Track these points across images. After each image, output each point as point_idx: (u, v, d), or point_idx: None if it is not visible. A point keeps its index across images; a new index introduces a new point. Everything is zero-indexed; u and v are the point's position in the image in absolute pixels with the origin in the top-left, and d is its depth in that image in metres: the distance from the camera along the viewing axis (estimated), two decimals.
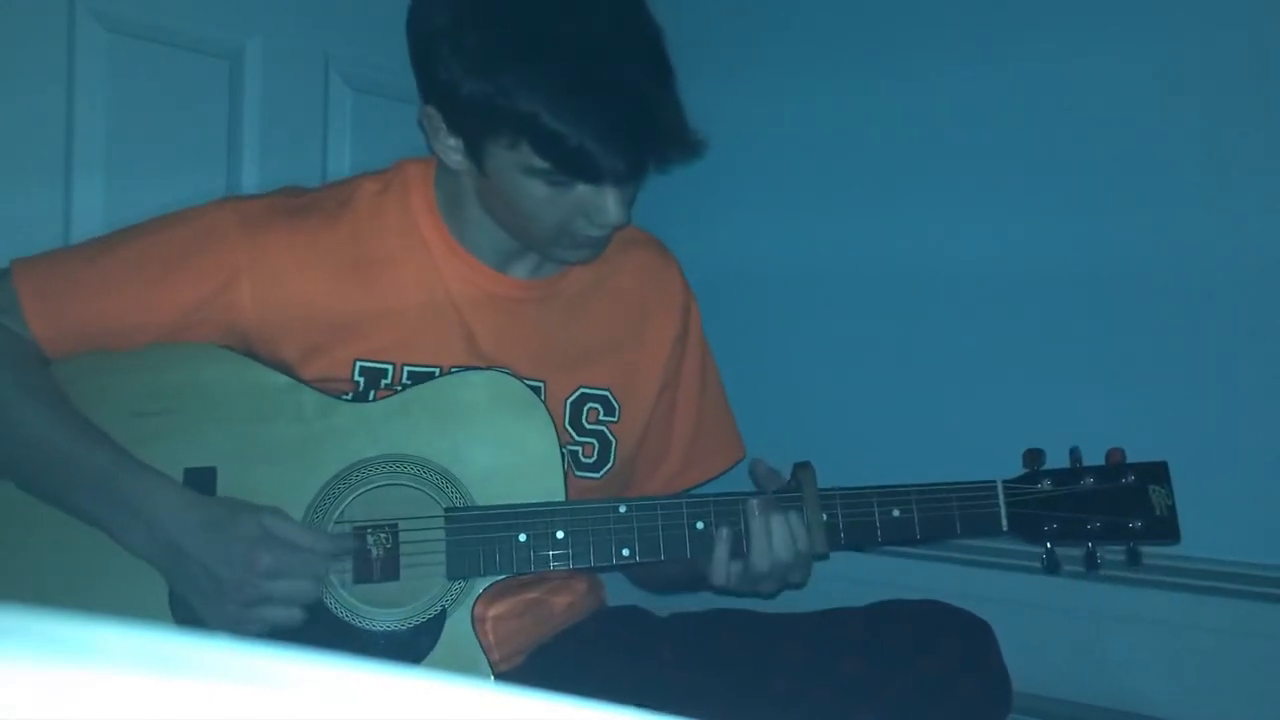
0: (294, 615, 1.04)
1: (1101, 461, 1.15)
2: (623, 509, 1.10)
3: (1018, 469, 1.16)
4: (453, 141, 1.11)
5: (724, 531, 1.09)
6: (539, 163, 1.04)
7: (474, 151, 1.09)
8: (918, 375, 1.69)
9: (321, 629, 1.06)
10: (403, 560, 1.08)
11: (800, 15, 1.80)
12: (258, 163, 1.54)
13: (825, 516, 1.11)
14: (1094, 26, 1.53)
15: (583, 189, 1.08)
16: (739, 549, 1.10)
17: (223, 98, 1.52)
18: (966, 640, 1.12)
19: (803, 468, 1.14)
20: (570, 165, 1.04)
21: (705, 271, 1.43)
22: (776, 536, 1.09)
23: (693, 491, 1.36)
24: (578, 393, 1.24)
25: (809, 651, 1.14)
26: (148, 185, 1.38)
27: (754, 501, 1.10)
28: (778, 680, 1.13)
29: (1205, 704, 1.42)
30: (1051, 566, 1.13)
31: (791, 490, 1.13)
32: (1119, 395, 1.51)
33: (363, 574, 1.08)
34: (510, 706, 0.33)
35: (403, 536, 1.08)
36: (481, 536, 1.08)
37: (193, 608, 1.05)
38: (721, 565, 1.10)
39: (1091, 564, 1.13)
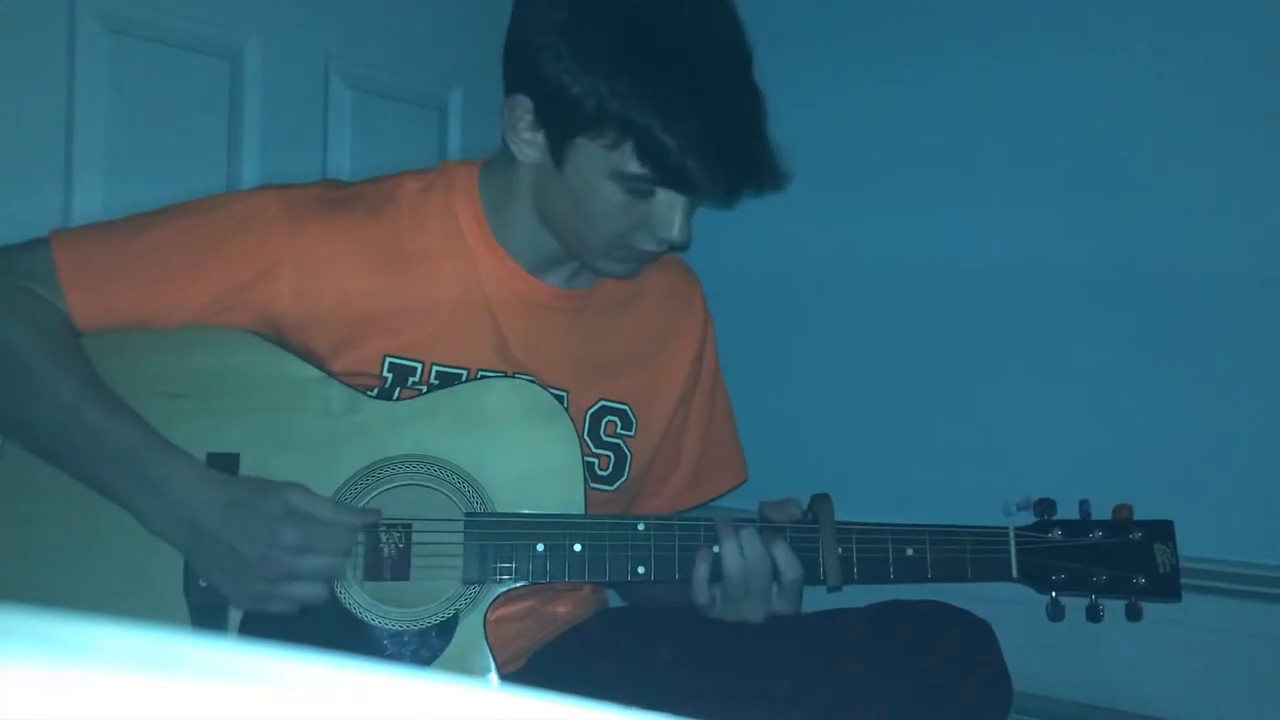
0: (320, 592, 1.04)
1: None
2: (641, 527, 1.10)
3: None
4: (532, 135, 1.11)
5: (702, 550, 1.10)
6: (634, 168, 1.05)
7: (558, 147, 1.09)
8: (918, 384, 1.68)
9: (335, 623, 1.06)
10: (414, 561, 1.08)
11: (801, 15, 1.80)
12: (258, 163, 1.54)
13: (840, 550, 1.11)
14: (1098, 27, 1.52)
15: (657, 202, 1.09)
16: (716, 571, 1.10)
17: (223, 98, 1.52)
18: (966, 640, 1.12)
19: (821, 500, 1.14)
20: (668, 176, 1.05)
21: (712, 281, 1.42)
22: (750, 556, 1.09)
23: (704, 512, 1.37)
24: (598, 404, 1.24)
25: (809, 652, 1.14)
26: (148, 185, 1.38)
27: (721, 523, 1.10)
28: (778, 680, 1.13)
29: (1205, 704, 1.42)
30: (1056, 615, 1.15)
31: (808, 522, 1.13)
32: (1120, 396, 1.51)
33: (373, 571, 1.08)
34: (512, 707, 0.33)
35: (415, 538, 1.08)
36: (499, 543, 1.08)
37: (210, 585, 1.04)
38: (702, 583, 1.10)
39: (1094, 616, 1.15)
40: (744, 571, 1.09)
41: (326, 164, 1.64)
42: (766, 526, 1.12)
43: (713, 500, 1.39)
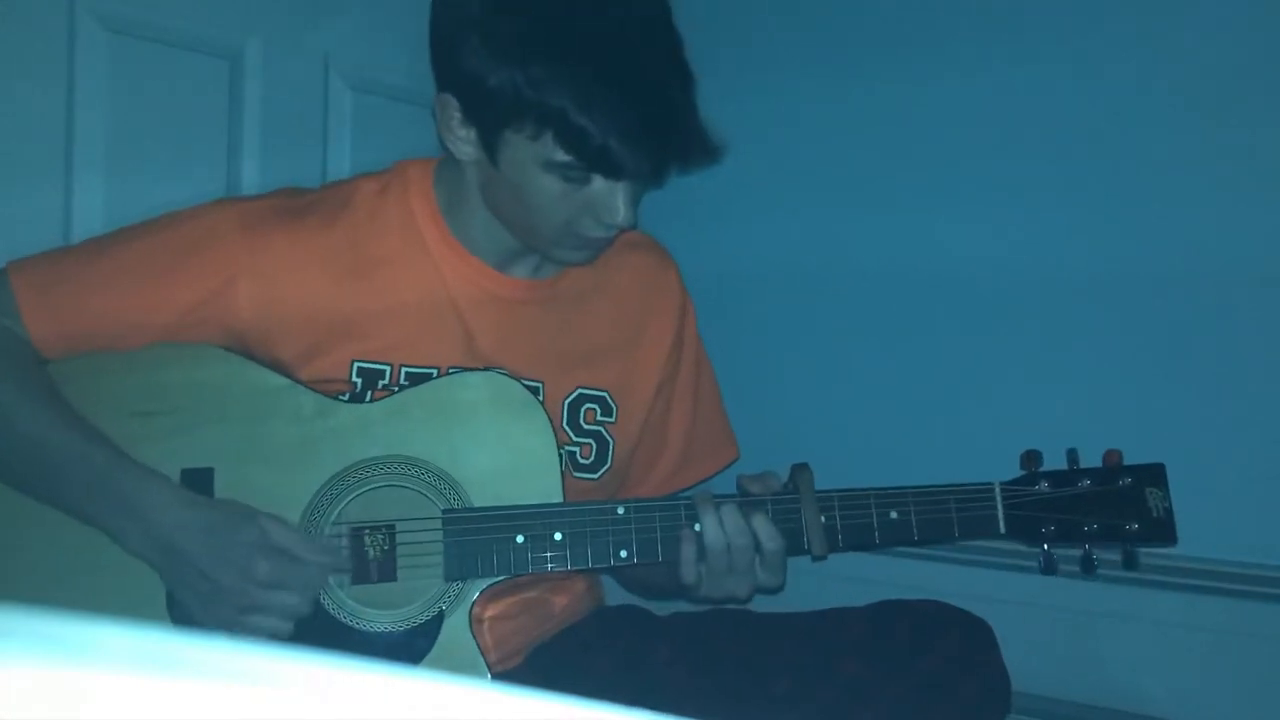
0: (285, 629, 1.04)
1: (1099, 462, 1.15)
2: (621, 511, 1.10)
3: (1017, 470, 1.16)
4: (465, 132, 1.11)
5: (685, 530, 1.09)
6: (560, 156, 1.05)
7: (489, 143, 1.09)
8: (915, 376, 1.68)
9: (319, 631, 1.06)
10: (399, 562, 1.08)
11: (799, 15, 1.80)
12: (258, 163, 1.54)
13: (823, 518, 1.11)
14: (1096, 27, 1.52)
15: (595, 188, 1.08)
16: (699, 549, 1.10)
17: (223, 98, 1.52)
18: (966, 640, 1.12)
19: (800, 470, 1.14)
20: (593, 160, 1.05)
21: (701, 272, 1.42)
22: (731, 530, 1.09)
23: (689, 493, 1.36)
24: (575, 393, 1.24)
25: (809, 651, 1.14)
26: (148, 185, 1.38)
27: (700, 500, 1.10)
28: (777, 680, 1.13)
29: (1204, 704, 1.42)
30: (1048, 569, 1.14)
31: (789, 492, 1.13)
32: (1117, 395, 1.51)
33: (360, 575, 1.08)
34: (509, 706, 0.33)
35: (400, 538, 1.08)
36: (479, 538, 1.08)
37: (188, 609, 1.05)
38: (689, 563, 1.10)
39: (1088, 567, 1.13)
40: (726, 547, 1.09)
41: (326, 164, 1.64)
42: (746, 500, 1.12)
43: (705, 480, 1.38)
